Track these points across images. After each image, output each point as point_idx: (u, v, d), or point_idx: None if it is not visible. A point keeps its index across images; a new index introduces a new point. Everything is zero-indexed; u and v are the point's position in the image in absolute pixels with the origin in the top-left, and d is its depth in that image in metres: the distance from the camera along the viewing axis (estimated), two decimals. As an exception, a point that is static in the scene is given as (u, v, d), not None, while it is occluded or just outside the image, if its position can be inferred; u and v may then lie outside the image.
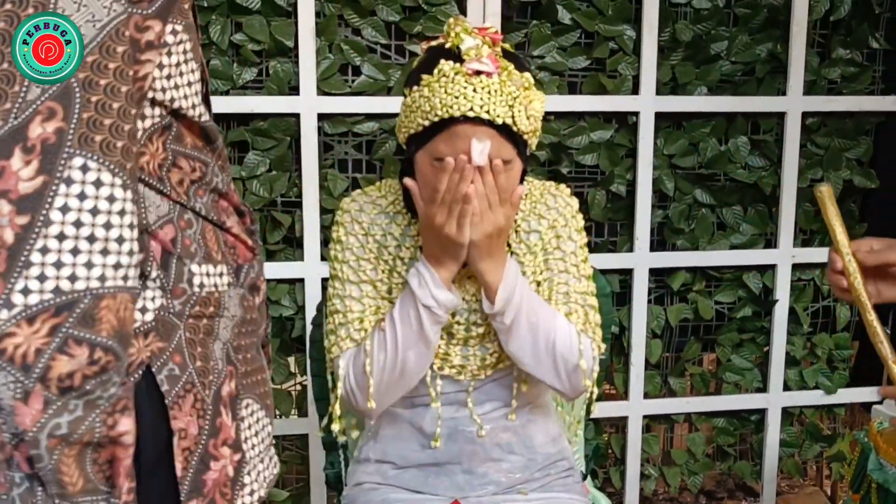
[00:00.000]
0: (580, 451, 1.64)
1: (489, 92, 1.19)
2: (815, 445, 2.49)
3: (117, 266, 0.72)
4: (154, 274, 0.81)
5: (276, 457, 0.97)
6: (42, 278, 0.69)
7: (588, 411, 1.62)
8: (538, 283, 1.35)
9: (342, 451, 1.58)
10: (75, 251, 0.70)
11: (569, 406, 1.60)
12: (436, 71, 1.21)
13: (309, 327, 1.70)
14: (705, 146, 2.27)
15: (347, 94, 2.09)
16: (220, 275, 0.89)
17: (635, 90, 2.20)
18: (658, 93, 2.20)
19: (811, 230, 2.40)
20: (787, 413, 2.44)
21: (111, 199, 0.72)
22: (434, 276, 1.26)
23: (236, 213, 0.95)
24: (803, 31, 2.23)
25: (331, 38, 2.07)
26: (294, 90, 2.06)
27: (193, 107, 0.86)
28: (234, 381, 0.88)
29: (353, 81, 2.10)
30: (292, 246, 2.14)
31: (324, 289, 2.07)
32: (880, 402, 2.15)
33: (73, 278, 0.70)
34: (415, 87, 1.24)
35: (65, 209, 0.70)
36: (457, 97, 1.19)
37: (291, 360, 2.20)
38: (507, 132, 1.21)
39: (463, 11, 2.09)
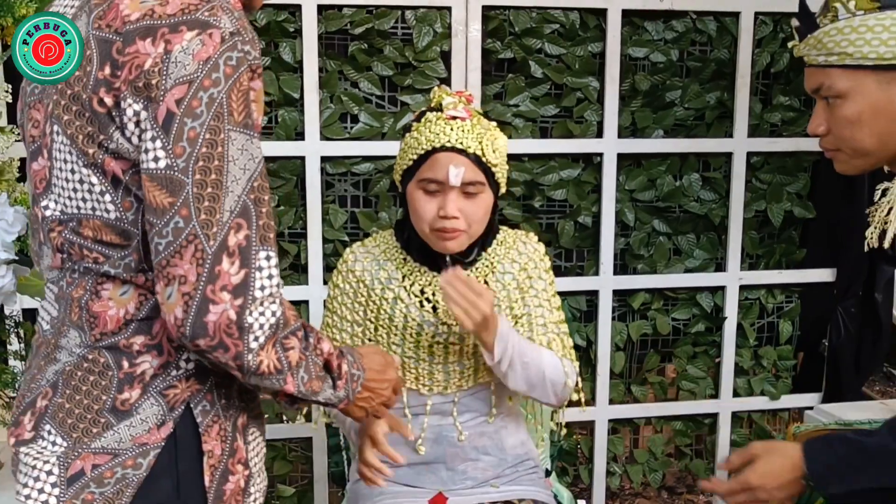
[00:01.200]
0: (546, 451, 1.92)
1: (463, 130, 1.55)
2: (762, 445, 2.80)
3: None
4: None
5: (265, 472, 1.23)
6: (258, 329, 0.98)
7: (552, 418, 1.91)
8: (516, 318, 1.65)
9: (345, 452, 1.87)
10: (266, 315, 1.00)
11: (538, 415, 1.90)
12: (423, 119, 1.58)
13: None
14: (662, 182, 2.58)
15: (346, 139, 2.38)
16: None
17: (599, 134, 2.50)
18: (620, 136, 2.50)
19: (757, 255, 2.70)
20: (736, 417, 2.75)
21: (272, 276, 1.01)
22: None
23: None
24: (747, 81, 2.54)
25: (332, 90, 2.37)
26: (300, 136, 2.35)
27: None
28: (245, 415, 1.14)
29: (351, 128, 2.39)
30: (298, 272, 2.43)
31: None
32: (811, 409, 2.47)
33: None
34: (407, 135, 1.60)
35: (262, 288, 0.99)
36: (437, 133, 1.55)
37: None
38: (478, 161, 1.55)
39: (447, 66, 2.39)
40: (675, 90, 2.55)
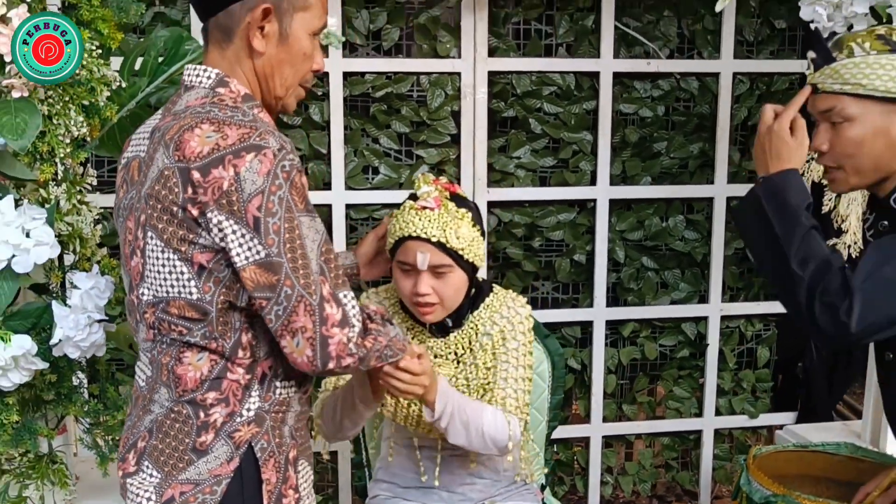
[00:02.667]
0: (540, 467, 2.23)
1: (429, 220, 1.75)
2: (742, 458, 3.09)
3: None
4: (255, 389, 1.39)
5: (315, 494, 1.53)
6: (358, 345, 1.33)
7: (546, 439, 2.22)
8: (487, 369, 1.88)
9: (367, 468, 2.19)
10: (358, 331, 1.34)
11: (534, 432, 2.19)
12: (401, 207, 1.82)
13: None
14: (650, 223, 2.88)
15: (368, 189, 2.70)
16: (292, 386, 1.42)
17: (593, 182, 2.80)
18: (611, 183, 2.80)
19: (737, 287, 3.00)
20: (718, 433, 3.04)
21: (354, 306, 1.34)
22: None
23: None
24: (726, 133, 2.83)
25: (356, 145, 2.69)
26: (327, 186, 2.67)
27: None
28: (295, 450, 1.42)
29: (373, 179, 2.71)
30: (325, 305, 2.75)
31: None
32: (781, 428, 2.76)
33: None
34: (390, 221, 1.84)
35: (354, 315, 1.32)
36: (407, 223, 1.76)
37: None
38: (442, 247, 1.75)
39: (458, 124, 2.70)
40: (661, 142, 2.85)
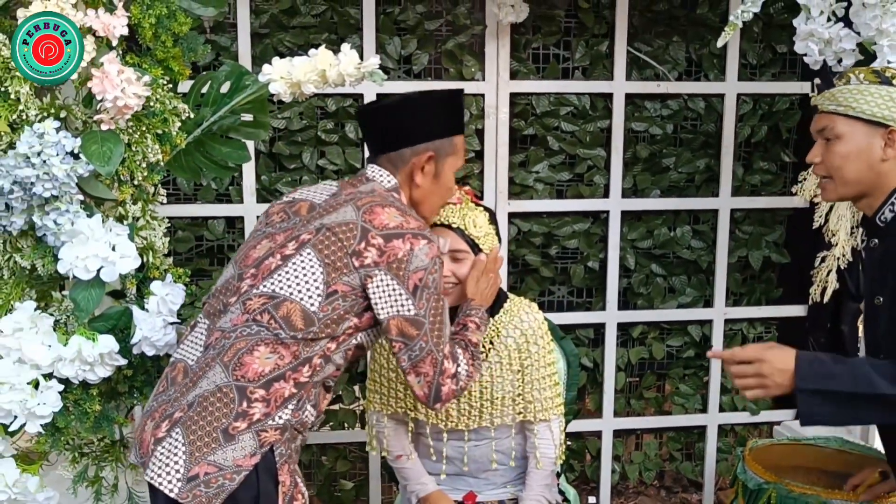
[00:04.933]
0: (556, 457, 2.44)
1: (451, 211, 2.02)
2: (744, 452, 3.31)
3: None
4: (292, 403, 1.62)
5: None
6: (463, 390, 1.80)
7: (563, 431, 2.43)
8: (514, 372, 2.11)
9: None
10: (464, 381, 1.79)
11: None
12: None
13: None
14: (658, 233, 3.10)
15: (398, 201, 2.93)
16: (315, 415, 1.69)
17: (606, 195, 3.02)
18: (623, 196, 3.02)
19: (740, 293, 3.21)
20: (721, 428, 3.26)
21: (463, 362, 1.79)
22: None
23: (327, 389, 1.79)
24: (731, 150, 3.04)
25: (387, 160, 2.91)
26: (361, 198, 2.90)
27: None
28: (296, 464, 1.67)
29: (402, 191, 2.94)
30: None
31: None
32: (779, 423, 2.97)
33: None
34: None
35: (465, 370, 1.78)
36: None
37: (356, 387, 3.06)
38: (461, 233, 2.00)
39: (481, 141, 2.92)
40: (669, 157, 3.07)
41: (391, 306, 1.65)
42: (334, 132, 2.86)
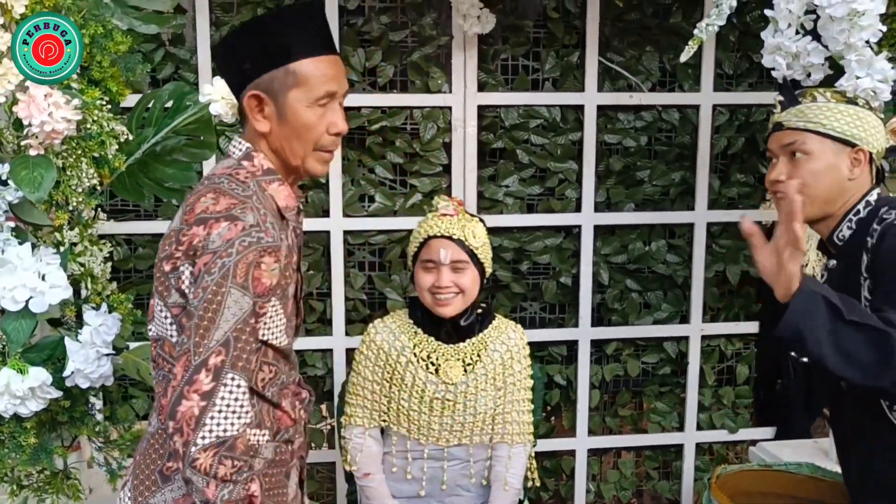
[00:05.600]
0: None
1: (450, 223, 2.09)
2: (723, 470, 3.23)
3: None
4: None
5: None
6: (208, 431, 1.37)
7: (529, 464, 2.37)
8: (497, 388, 2.14)
9: (358, 483, 2.36)
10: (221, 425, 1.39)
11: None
12: (424, 218, 2.14)
13: (337, 387, 2.50)
14: (633, 248, 3.02)
15: (364, 216, 2.87)
16: (264, 434, 1.51)
17: (578, 209, 2.95)
18: (596, 210, 2.95)
19: (718, 308, 3.13)
20: (699, 446, 3.18)
21: (244, 394, 1.42)
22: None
23: (294, 395, 1.64)
24: (706, 162, 2.96)
25: (352, 175, 2.85)
26: (325, 213, 2.83)
27: (276, 338, 1.55)
28: (261, 492, 1.45)
29: (368, 206, 2.88)
30: (324, 324, 2.92)
31: (347, 358, 2.86)
32: (755, 443, 2.90)
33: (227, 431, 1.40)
34: (413, 232, 2.15)
35: (223, 399, 1.37)
36: (431, 226, 2.10)
37: (323, 406, 3.00)
38: (461, 244, 2.06)
39: (448, 154, 2.85)
40: (644, 170, 2.99)
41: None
42: (298, 146, 2.79)
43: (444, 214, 2.11)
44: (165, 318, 1.48)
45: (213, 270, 1.36)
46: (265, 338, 1.50)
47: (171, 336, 1.48)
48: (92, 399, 2.06)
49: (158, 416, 1.51)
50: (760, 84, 3.00)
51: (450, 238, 2.07)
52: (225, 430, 1.35)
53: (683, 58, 2.15)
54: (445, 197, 2.17)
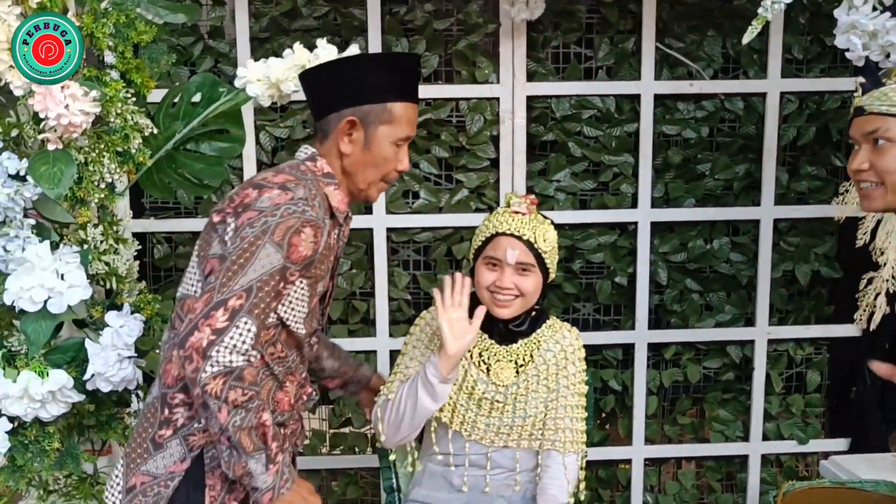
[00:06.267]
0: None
1: (521, 222, 1.96)
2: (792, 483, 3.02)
3: None
4: None
5: None
6: (215, 363, 1.44)
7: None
8: (549, 389, 2.01)
9: (397, 493, 2.26)
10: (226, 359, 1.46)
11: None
12: (493, 212, 2.02)
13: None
14: (693, 245, 2.84)
15: (409, 213, 2.76)
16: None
17: (634, 204, 2.78)
18: (653, 205, 2.78)
19: (786, 310, 2.93)
20: (766, 458, 2.98)
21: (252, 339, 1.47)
22: (435, 359, 1.92)
23: (300, 387, 1.71)
24: (773, 154, 2.76)
25: (396, 170, 2.74)
26: (369, 210, 2.73)
27: (294, 323, 1.57)
28: (272, 424, 1.56)
29: (413, 203, 2.76)
30: (367, 325, 2.82)
31: (391, 359, 2.76)
32: (825, 457, 2.69)
33: None
34: (480, 225, 2.03)
35: (233, 338, 1.44)
36: (501, 222, 1.98)
37: (368, 410, 2.89)
38: (530, 246, 1.94)
39: (496, 148, 2.72)
40: (705, 163, 2.81)
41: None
42: (339, 141, 2.69)
43: (516, 212, 1.98)
44: (195, 274, 1.59)
45: (255, 225, 1.48)
46: (284, 316, 1.60)
47: (196, 293, 1.57)
48: (134, 400, 1.98)
49: (161, 381, 1.58)
50: (833, 69, 2.79)
51: (519, 238, 1.95)
52: (231, 362, 1.44)
53: (746, 39, 1.97)
54: (518, 192, 2.08)
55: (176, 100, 1.97)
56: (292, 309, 1.61)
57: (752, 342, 2.89)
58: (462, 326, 1.90)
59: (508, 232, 1.95)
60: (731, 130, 2.82)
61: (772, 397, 2.95)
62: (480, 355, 2.03)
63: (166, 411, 1.57)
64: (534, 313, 2.06)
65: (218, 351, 1.41)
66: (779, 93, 2.74)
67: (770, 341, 2.89)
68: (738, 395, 2.96)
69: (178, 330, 1.51)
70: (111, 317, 1.77)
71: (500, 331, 2.03)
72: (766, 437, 2.95)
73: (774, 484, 3.01)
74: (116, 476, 1.63)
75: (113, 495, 1.63)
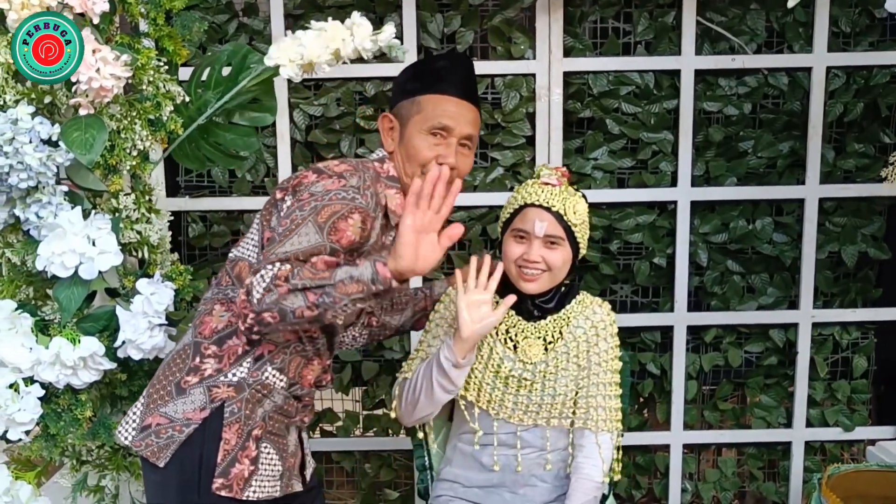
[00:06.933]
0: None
1: (551, 193, 1.88)
2: (837, 472, 2.93)
3: None
4: (247, 361, 1.62)
5: (279, 485, 1.66)
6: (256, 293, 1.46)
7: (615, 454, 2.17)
8: (580, 367, 1.94)
9: (429, 471, 2.22)
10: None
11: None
12: (523, 184, 1.94)
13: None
14: (735, 226, 2.76)
15: (443, 191, 2.72)
16: (281, 380, 1.65)
17: (674, 183, 2.72)
18: (693, 184, 2.71)
19: (831, 293, 2.84)
20: (810, 445, 2.90)
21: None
22: (450, 342, 1.86)
23: (322, 371, 1.73)
24: (819, 131, 2.67)
25: (430, 148, 2.70)
26: (402, 189, 2.70)
27: None
28: (261, 430, 1.62)
29: (447, 181, 2.72)
30: (401, 305, 2.79)
31: (424, 340, 2.72)
32: (871, 443, 2.60)
33: None
34: (509, 197, 1.96)
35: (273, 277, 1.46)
36: (531, 193, 1.90)
37: (400, 391, 2.87)
38: (560, 219, 1.86)
39: (532, 125, 2.68)
40: (748, 140, 2.73)
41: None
42: (373, 118, 2.67)
43: (546, 183, 1.90)
44: (252, 240, 1.65)
45: (305, 208, 1.52)
46: None
47: (251, 258, 1.63)
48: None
49: (196, 330, 1.64)
50: (882, 43, 2.70)
51: (548, 209, 1.87)
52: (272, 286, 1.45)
53: (791, 3, 1.91)
54: (548, 164, 2.00)
55: (207, 71, 1.96)
56: None
57: (795, 326, 2.80)
58: (482, 311, 1.81)
59: (537, 203, 1.88)
60: (774, 107, 2.74)
61: (816, 383, 2.86)
62: (507, 332, 1.97)
63: (197, 359, 1.60)
64: (563, 289, 1.99)
65: (252, 296, 1.44)
66: (825, 67, 2.65)
67: (815, 325, 2.81)
68: (781, 380, 2.88)
69: (223, 286, 1.59)
70: (142, 284, 1.76)
71: (528, 307, 1.96)
72: (809, 424, 2.87)
73: (819, 471, 2.91)
74: (133, 414, 1.65)
75: (126, 431, 1.64)
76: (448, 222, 2.69)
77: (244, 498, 1.59)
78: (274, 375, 1.63)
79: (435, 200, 1.49)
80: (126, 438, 1.63)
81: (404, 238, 1.46)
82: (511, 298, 1.85)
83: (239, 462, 1.58)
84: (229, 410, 1.59)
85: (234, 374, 1.60)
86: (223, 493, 1.56)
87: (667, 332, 2.82)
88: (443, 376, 1.87)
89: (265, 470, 1.63)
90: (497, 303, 1.89)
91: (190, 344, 1.63)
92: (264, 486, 1.62)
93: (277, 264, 1.43)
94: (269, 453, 1.64)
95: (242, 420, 1.59)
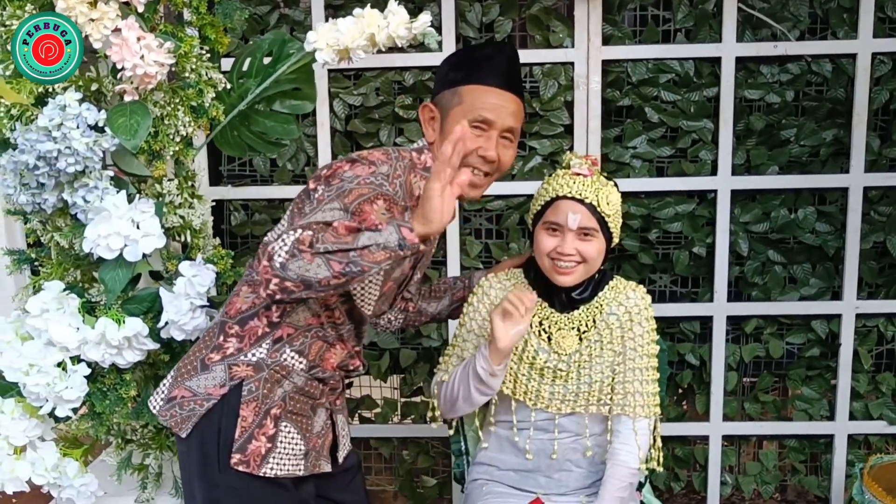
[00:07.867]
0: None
1: (583, 184, 1.85)
2: (882, 467, 2.88)
3: None
4: (266, 343, 1.64)
5: (303, 465, 1.68)
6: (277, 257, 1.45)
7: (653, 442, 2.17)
8: (615, 353, 1.94)
9: (465, 456, 2.24)
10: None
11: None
12: (553, 174, 1.92)
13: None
14: (776, 215, 2.73)
15: (481, 180, 2.73)
16: (301, 361, 1.66)
17: (714, 172, 2.69)
18: (733, 173, 2.68)
19: (876, 284, 2.79)
20: (853, 438, 2.85)
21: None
22: (485, 352, 1.87)
23: (349, 357, 1.75)
24: (864, 118, 2.63)
25: (468, 137, 2.72)
26: (441, 178, 2.72)
27: (361, 302, 1.73)
28: (280, 410, 1.64)
29: (485, 170, 2.73)
30: (439, 294, 2.81)
31: (462, 328, 2.74)
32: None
33: None
34: (539, 187, 1.94)
35: (295, 243, 1.45)
36: (562, 185, 1.87)
37: (438, 379, 2.89)
38: (593, 210, 1.85)
39: (571, 114, 2.67)
40: (790, 129, 2.70)
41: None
42: (413, 108, 2.70)
43: (578, 174, 1.87)
44: (284, 226, 1.64)
45: (333, 186, 1.55)
46: (354, 293, 1.67)
47: None
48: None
49: (224, 309, 1.69)
50: (930, 28, 2.64)
51: (581, 201, 1.84)
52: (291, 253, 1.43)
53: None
54: (577, 153, 1.97)
55: (248, 59, 2.00)
56: (362, 289, 1.67)
57: (838, 317, 2.76)
58: (513, 321, 1.83)
59: (570, 195, 1.84)
60: (818, 94, 2.70)
61: (860, 375, 2.81)
62: (541, 324, 1.96)
63: (221, 338, 1.65)
64: (597, 276, 1.97)
65: (273, 261, 1.42)
66: (870, 53, 2.60)
67: (858, 316, 2.76)
68: (824, 372, 2.84)
69: (252, 269, 1.63)
70: (184, 266, 1.80)
71: (562, 299, 1.95)
72: (853, 417, 2.83)
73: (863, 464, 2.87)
74: (163, 385, 1.71)
75: (156, 401, 1.70)
76: (486, 211, 2.71)
77: (261, 474, 1.61)
78: (293, 357, 1.65)
79: (454, 157, 1.45)
80: (154, 408, 1.69)
81: (433, 203, 1.42)
82: (532, 301, 1.83)
83: (255, 439, 1.61)
84: (247, 389, 1.62)
85: (253, 355, 1.63)
86: (241, 469, 1.60)
87: (706, 322, 2.79)
88: (480, 383, 1.90)
89: (284, 448, 1.65)
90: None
91: (217, 323, 1.68)
92: (284, 465, 1.65)
93: (299, 230, 1.40)
94: (289, 432, 1.66)
95: (260, 399, 1.62)
